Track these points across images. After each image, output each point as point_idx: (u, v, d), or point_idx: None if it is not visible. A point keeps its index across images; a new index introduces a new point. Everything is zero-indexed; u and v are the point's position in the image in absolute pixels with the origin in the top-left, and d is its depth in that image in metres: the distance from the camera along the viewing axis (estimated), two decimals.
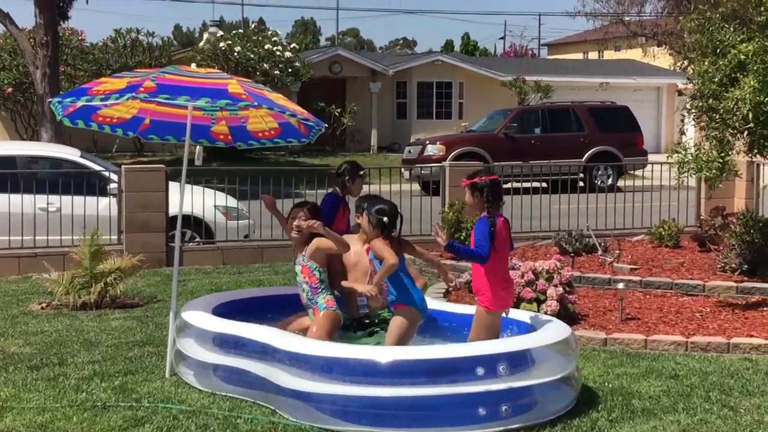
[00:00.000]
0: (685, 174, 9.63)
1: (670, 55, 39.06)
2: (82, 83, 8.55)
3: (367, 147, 36.51)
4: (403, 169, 20.59)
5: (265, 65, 32.34)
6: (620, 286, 9.25)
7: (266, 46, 32.92)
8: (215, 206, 13.11)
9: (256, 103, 6.86)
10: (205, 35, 39.65)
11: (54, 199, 12.26)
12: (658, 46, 42.59)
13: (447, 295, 9.72)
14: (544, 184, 16.12)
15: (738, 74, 9.13)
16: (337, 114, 34.18)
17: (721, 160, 9.32)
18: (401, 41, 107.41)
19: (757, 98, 8.84)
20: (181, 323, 7.15)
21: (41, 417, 6.11)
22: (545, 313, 8.24)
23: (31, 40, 23.12)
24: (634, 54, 48.47)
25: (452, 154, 24.25)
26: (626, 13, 41.89)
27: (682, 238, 12.50)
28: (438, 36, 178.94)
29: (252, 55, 32.40)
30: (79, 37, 32.43)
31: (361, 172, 8.26)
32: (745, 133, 9.51)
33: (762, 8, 8.59)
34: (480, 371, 5.79)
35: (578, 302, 9.08)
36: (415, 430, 5.74)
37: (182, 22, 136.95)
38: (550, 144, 25.09)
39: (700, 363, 7.57)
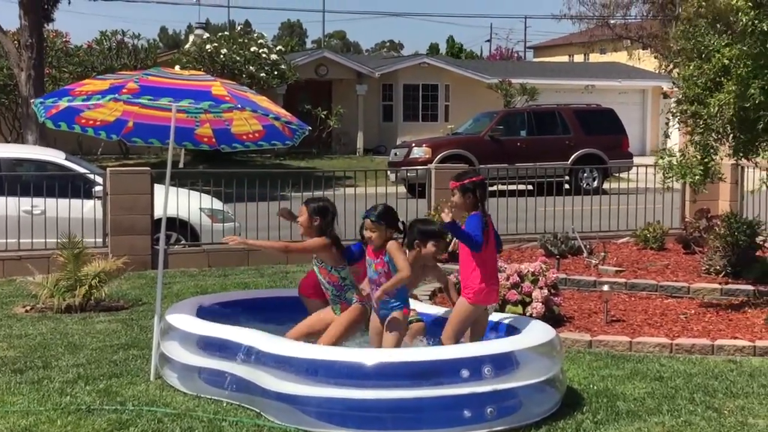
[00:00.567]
0: (670, 179, 9.69)
1: (655, 57, 39.31)
2: (67, 85, 8.55)
3: (353, 149, 36.50)
4: (389, 172, 20.58)
5: (251, 67, 32.30)
6: (605, 288, 9.29)
7: (252, 49, 32.87)
8: (201, 209, 13.08)
9: (239, 105, 6.86)
10: (191, 37, 39.59)
11: (39, 201, 12.21)
12: (643, 49, 42.86)
13: (433, 298, 9.72)
14: (530, 187, 16.13)
15: (722, 78, 9.17)
16: (323, 116, 34.15)
17: (703, 166, 9.36)
18: (387, 44, 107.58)
19: (740, 103, 8.88)
20: (165, 326, 7.13)
21: (25, 420, 6.08)
22: (530, 315, 8.26)
23: (16, 42, 23.06)
24: (620, 57, 48.75)
25: (438, 156, 24.27)
26: (612, 16, 42.11)
27: (667, 240, 12.54)
28: (424, 39, 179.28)
29: (238, 58, 32.36)
30: (64, 39, 32.34)
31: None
32: (730, 137, 9.57)
33: (740, 14, 8.63)
34: (465, 373, 5.79)
35: (563, 304, 9.10)
36: None
37: (168, 25, 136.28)
38: (536, 146, 25.13)
39: (684, 365, 7.60)
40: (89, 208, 12.53)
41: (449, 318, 6.72)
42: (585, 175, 24.41)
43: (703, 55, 9.39)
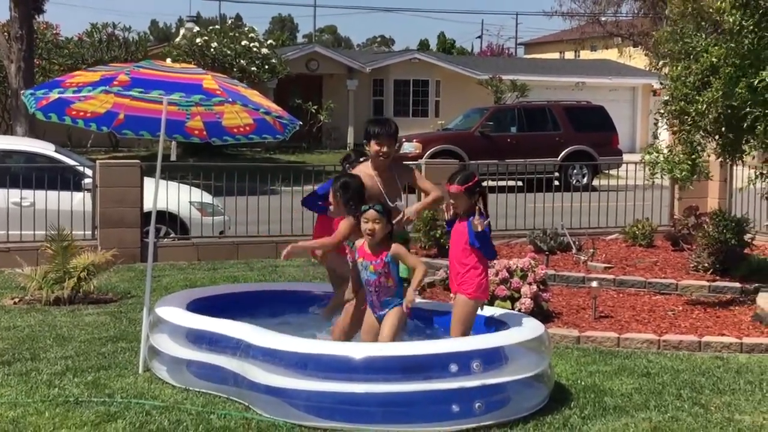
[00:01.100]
0: (657, 174, 9.72)
1: (645, 55, 39.31)
2: (57, 77, 8.54)
3: (343, 144, 36.47)
4: None
5: (241, 61, 32.26)
6: (594, 284, 9.32)
7: (243, 43, 32.83)
8: (191, 202, 13.07)
9: (230, 99, 6.85)
10: (182, 31, 39.51)
11: (27, 193, 12.18)
12: (634, 47, 42.88)
13: (422, 292, 9.72)
14: (520, 183, 16.14)
15: (710, 77, 9.20)
16: (313, 111, 34.13)
17: (690, 162, 9.40)
18: (378, 39, 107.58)
19: (727, 101, 8.92)
20: (154, 319, 7.13)
21: (13, 412, 6.07)
22: (519, 310, 8.29)
23: (6, 33, 22.97)
24: (611, 54, 48.79)
25: (428, 152, 24.29)
26: (603, 13, 42.14)
27: (655, 237, 12.58)
28: (415, 34, 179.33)
29: (229, 51, 32.30)
30: (54, 31, 32.23)
31: (362, 159, 7.65)
32: (717, 136, 9.60)
33: (726, 14, 8.67)
34: (454, 368, 5.81)
35: (552, 300, 9.13)
36: (388, 427, 5.74)
37: (159, 18, 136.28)
38: (526, 143, 25.17)
39: (671, 361, 7.63)
40: (78, 201, 12.51)
41: (453, 319, 6.64)
42: (575, 171, 24.48)
43: (692, 56, 9.42)
